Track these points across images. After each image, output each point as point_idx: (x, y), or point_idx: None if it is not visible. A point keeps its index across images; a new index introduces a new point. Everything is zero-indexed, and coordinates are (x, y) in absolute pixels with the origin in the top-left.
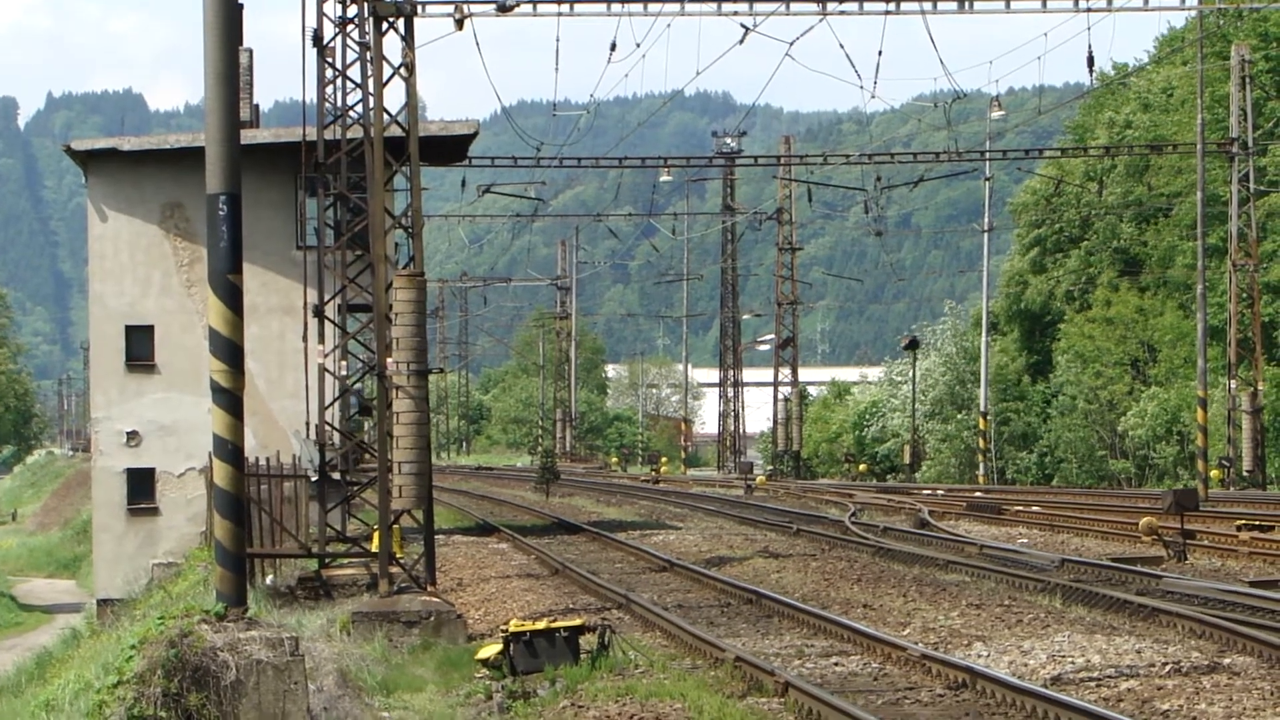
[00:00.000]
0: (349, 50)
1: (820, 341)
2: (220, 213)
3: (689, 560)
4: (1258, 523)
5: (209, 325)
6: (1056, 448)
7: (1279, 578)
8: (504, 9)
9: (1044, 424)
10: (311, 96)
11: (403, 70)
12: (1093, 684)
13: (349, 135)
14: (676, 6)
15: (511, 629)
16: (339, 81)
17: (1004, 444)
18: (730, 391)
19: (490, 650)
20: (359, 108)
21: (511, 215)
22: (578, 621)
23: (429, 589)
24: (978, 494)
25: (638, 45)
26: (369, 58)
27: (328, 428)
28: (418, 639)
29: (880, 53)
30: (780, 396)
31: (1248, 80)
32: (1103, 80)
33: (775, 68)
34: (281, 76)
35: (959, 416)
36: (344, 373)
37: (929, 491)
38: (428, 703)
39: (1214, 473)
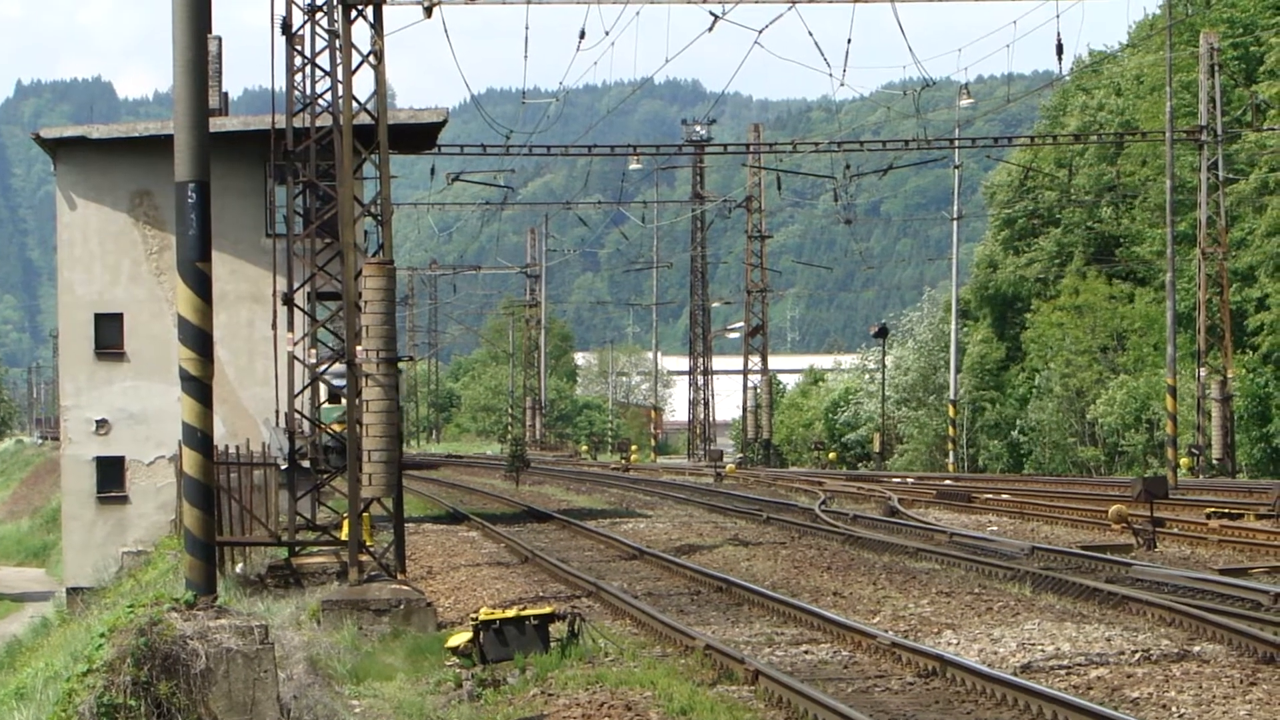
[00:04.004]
0: (318, 38)
1: (790, 329)
2: (189, 200)
3: (659, 548)
4: (1227, 510)
5: (178, 313)
6: (1031, 432)
7: (1248, 566)
8: None
9: (1019, 411)
10: (280, 84)
11: (372, 58)
12: (1062, 672)
13: (318, 123)
14: None
15: (481, 617)
16: (308, 69)
17: (978, 432)
18: (700, 379)
19: (460, 638)
20: (328, 95)
21: (481, 203)
22: (548, 610)
23: (399, 577)
24: (948, 482)
25: (607, 33)
26: (338, 45)
27: (297, 416)
28: (388, 627)
29: (849, 41)
30: (750, 384)
31: (1216, 68)
32: (1078, 66)
33: (744, 56)
34: (250, 64)
35: (931, 401)
36: (313, 360)
37: (899, 479)
38: (398, 691)
39: (1183, 460)
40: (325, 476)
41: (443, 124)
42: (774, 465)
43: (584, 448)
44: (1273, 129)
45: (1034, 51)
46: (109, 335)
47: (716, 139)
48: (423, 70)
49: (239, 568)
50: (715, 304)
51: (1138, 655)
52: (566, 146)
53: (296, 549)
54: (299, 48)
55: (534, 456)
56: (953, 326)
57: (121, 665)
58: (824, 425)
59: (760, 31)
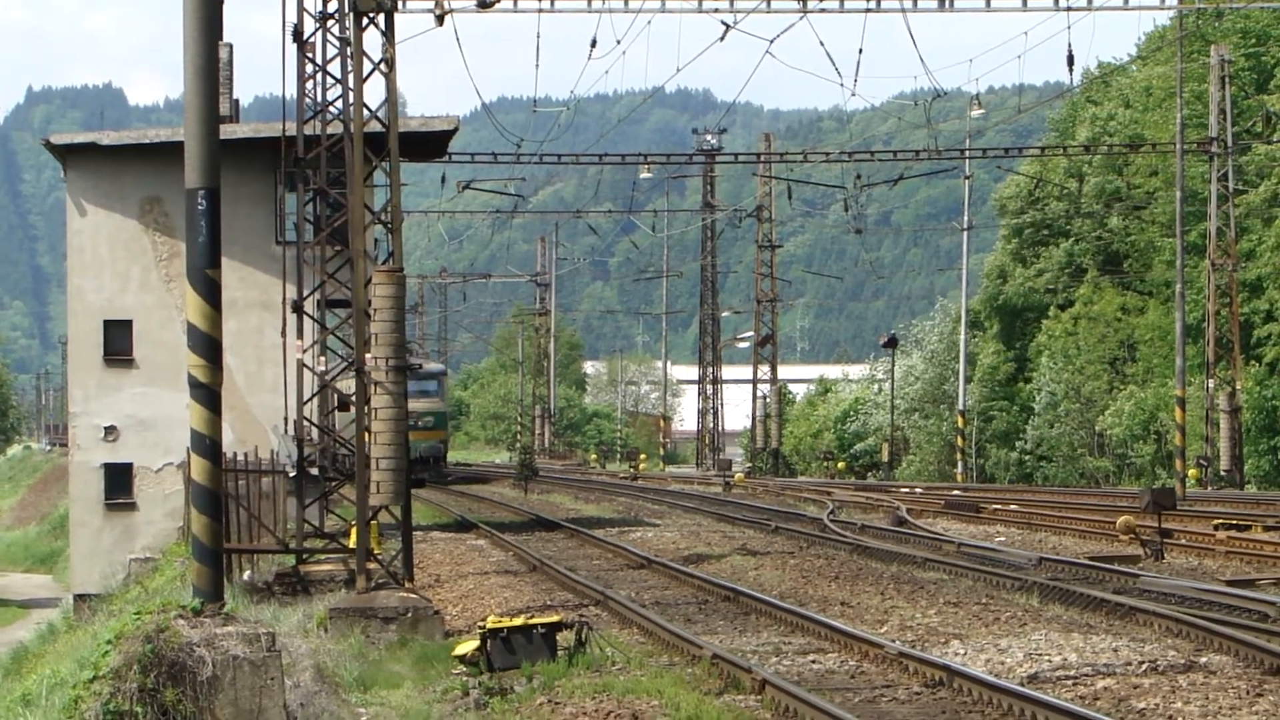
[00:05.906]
0: (329, 45)
1: (800, 339)
2: (199, 208)
3: (667, 557)
4: (1234, 522)
5: (187, 320)
6: (1040, 445)
7: (1256, 577)
8: (484, 5)
9: (1027, 421)
10: (291, 92)
11: (383, 66)
12: (1069, 682)
13: (329, 130)
14: (657, 3)
15: (489, 625)
16: (319, 77)
17: (986, 442)
18: (709, 389)
19: (467, 647)
20: (339, 103)
21: (491, 211)
22: (555, 618)
23: (406, 585)
24: (956, 492)
25: (618, 42)
26: (349, 53)
27: (306, 423)
28: (395, 635)
29: (861, 51)
30: (759, 394)
31: (1227, 80)
32: (1087, 78)
33: (756, 65)
34: (262, 72)
35: (940, 410)
36: (322, 368)
37: (907, 489)
38: (404, 699)
39: (1191, 472)
40: (333, 484)
41: (453, 132)
42: (783, 475)
43: (593, 456)
44: None
45: (1045, 62)
46: (118, 342)
47: (727, 148)
48: (434, 78)
49: (246, 575)
50: (725, 313)
51: (1145, 666)
52: (577, 155)
53: (304, 557)
54: (310, 55)
55: (543, 465)
56: (962, 337)
57: (128, 672)
58: (833, 435)
59: (771, 41)
